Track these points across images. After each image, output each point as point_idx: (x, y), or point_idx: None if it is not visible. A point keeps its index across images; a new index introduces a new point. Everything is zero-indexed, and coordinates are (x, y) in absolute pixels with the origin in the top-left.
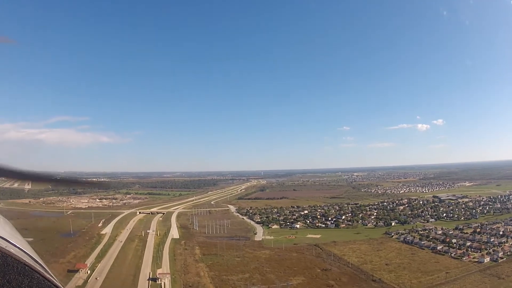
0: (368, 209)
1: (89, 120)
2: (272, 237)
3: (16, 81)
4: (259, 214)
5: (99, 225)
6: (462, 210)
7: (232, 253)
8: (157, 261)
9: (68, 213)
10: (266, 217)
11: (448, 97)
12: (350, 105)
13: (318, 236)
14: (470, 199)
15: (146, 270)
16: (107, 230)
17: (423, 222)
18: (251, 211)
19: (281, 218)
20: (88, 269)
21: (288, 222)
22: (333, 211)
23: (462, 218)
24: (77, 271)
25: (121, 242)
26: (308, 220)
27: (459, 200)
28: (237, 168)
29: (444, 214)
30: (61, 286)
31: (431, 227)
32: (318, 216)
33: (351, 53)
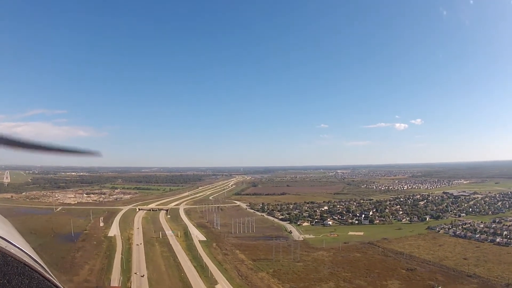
0: (388, 205)
1: (66, 114)
2: (312, 236)
3: None
4: (278, 211)
5: (101, 225)
6: (485, 205)
7: (286, 256)
8: (204, 272)
9: (58, 209)
10: (288, 214)
11: (426, 97)
12: (327, 102)
13: (361, 233)
14: (484, 195)
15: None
16: (114, 231)
17: (455, 217)
18: (266, 207)
19: (305, 215)
20: None
21: (317, 219)
22: (353, 207)
23: (489, 213)
24: None
25: (139, 247)
26: (336, 217)
27: (472, 196)
28: (214, 165)
29: (470, 209)
30: (61, 286)
31: (468, 221)
32: (344, 212)
33: (329, 51)
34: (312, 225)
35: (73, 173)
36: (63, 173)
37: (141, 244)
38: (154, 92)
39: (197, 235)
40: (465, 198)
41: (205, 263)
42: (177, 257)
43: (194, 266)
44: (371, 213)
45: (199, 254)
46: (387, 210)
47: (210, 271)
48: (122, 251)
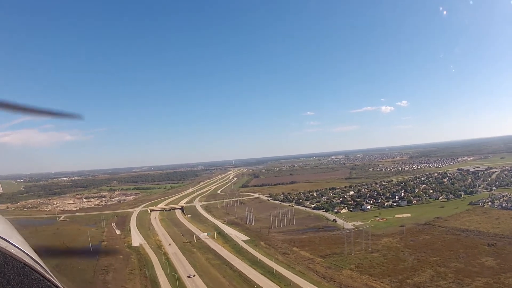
0: (415, 185)
1: (51, 119)
2: (360, 223)
3: None
4: (305, 200)
5: (118, 233)
6: (509, 178)
7: (354, 248)
8: (279, 280)
9: (61, 218)
10: (318, 202)
11: (411, 79)
12: (312, 89)
13: (408, 215)
14: (500, 169)
15: None
16: (137, 239)
17: (487, 191)
18: (290, 197)
19: (336, 201)
20: None
21: (352, 205)
22: (380, 189)
23: None
24: None
25: (178, 256)
26: (370, 200)
27: (489, 171)
28: (205, 160)
29: (497, 182)
30: (61, 286)
31: (504, 193)
32: (375, 195)
33: (313, 37)
34: (351, 211)
35: (65, 178)
36: (54, 179)
37: (177, 252)
38: (138, 93)
39: (236, 235)
40: (483, 173)
41: (273, 269)
42: (232, 264)
43: (262, 274)
44: (402, 194)
45: (258, 258)
46: (417, 190)
47: (289, 279)
48: (161, 263)
